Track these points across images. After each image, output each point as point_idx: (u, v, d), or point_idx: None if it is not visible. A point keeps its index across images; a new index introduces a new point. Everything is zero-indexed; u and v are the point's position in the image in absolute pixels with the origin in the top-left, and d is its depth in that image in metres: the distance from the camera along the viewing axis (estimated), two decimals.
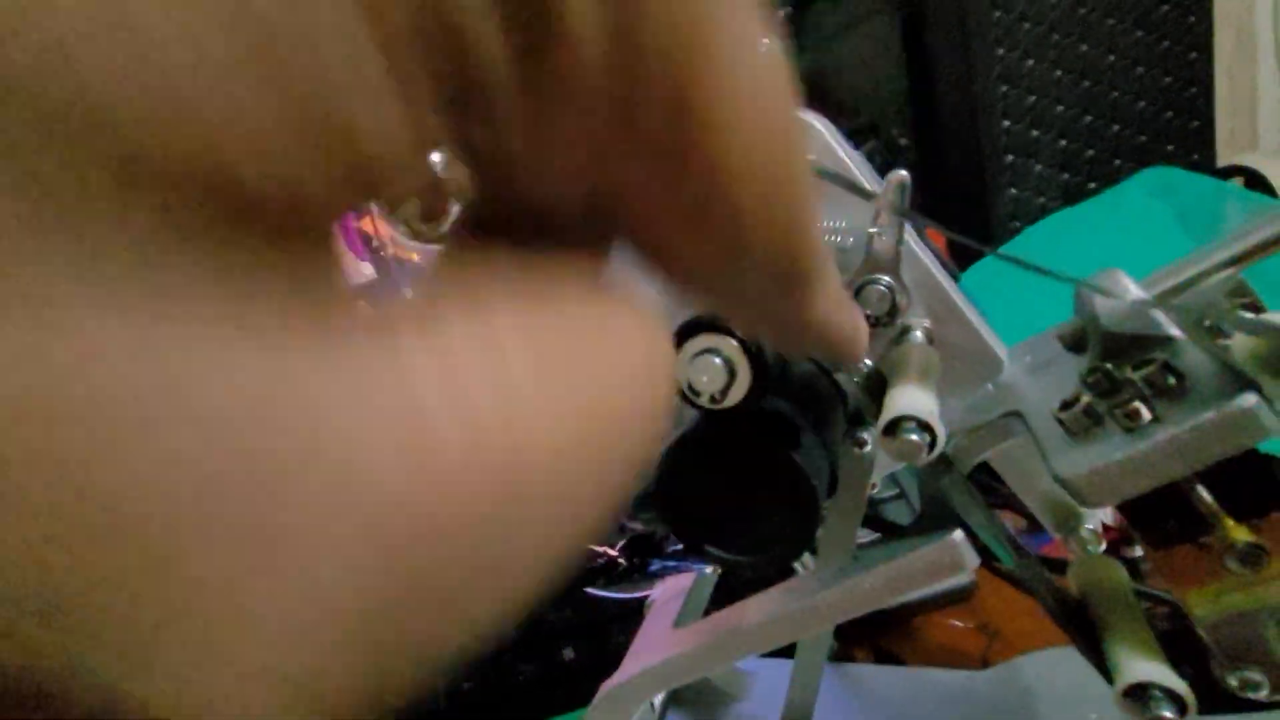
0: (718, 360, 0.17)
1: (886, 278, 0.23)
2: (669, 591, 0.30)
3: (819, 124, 0.24)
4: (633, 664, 0.26)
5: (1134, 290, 0.19)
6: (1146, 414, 0.16)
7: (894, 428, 0.17)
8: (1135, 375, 0.17)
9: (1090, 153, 0.62)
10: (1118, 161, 0.63)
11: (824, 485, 0.19)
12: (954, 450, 0.24)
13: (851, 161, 0.25)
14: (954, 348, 0.25)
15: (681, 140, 0.07)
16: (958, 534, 0.18)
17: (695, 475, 0.19)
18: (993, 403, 0.24)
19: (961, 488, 0.21)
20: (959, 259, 0.54)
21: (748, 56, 0.07)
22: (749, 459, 0.18)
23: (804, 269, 0.09)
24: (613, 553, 0.43)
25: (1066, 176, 0.63)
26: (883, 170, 0.26)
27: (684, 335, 0.18)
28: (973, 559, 0.18)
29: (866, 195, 0.20)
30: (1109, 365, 0.18)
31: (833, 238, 0.24)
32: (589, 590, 0.41)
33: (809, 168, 0.08)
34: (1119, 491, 0.16)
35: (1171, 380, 0.17)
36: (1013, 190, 0.61)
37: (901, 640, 0.40)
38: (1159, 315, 0.18)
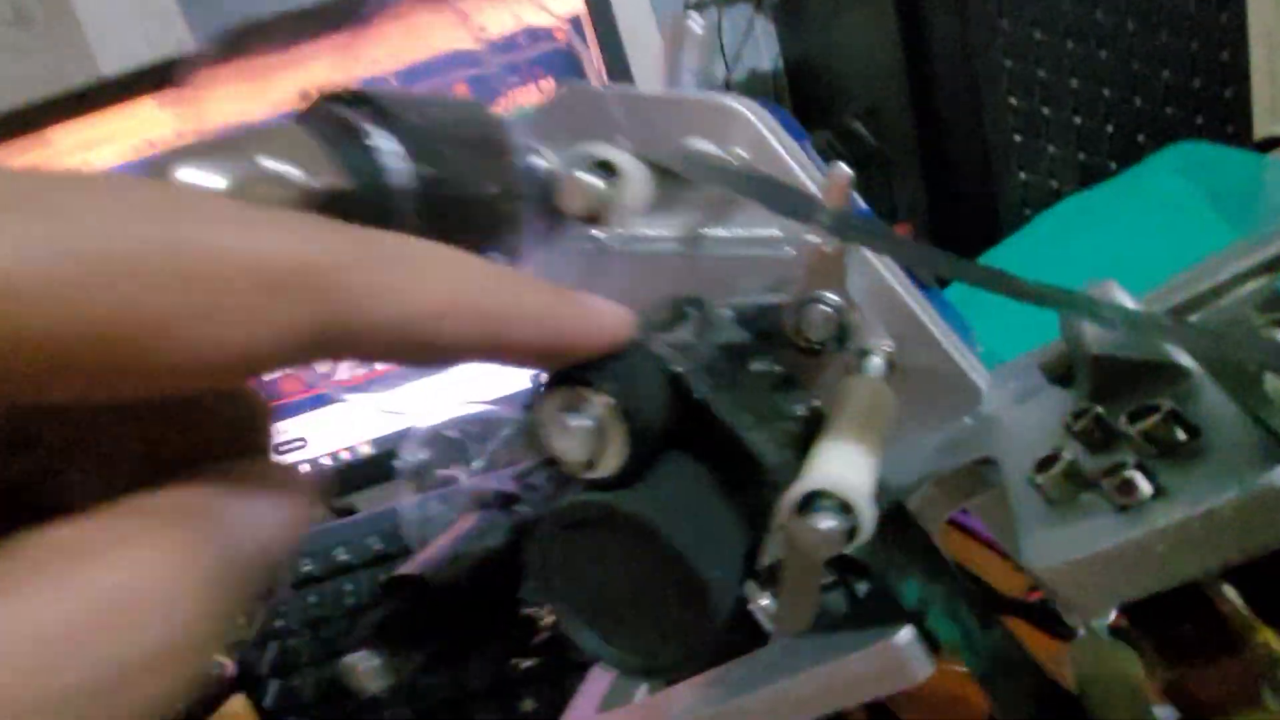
0: (580, 423, 0.14)
1: (832, 294, 0.19)
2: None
3: (749, 112, 0.20)
4: None
5: (1130, 305, 0.15)
6: (1145, 487, 0.12)
7: (804, 506, 0.13)
8: (1132, 429, 0.13)
9: (1109, 129, 0.56)
10: (1141, 137, 0.58)
11: (730, 569, 0.15)
12: (920, 504, 0.19)
13: (791, 156, 0.21)
14: (923, 374, 0.21)
15: None
16: (904, 634, 0.14)
17: (563, 560, 0.15)
18: (970, 442, 0.20)
19: (921, 555, 0.16)
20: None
21: None
22: (620, 543, 0.14)
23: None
24: None
25: (1083, 156, 0.57)
26: (853, 163, 0.22)
27: (546, 388, 0.14)
28: (922, 667, 0.14)
29: (794, 211, 0.16)
30: (1100, 409, 0.14)
31: (765, 248, 0.20)
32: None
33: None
34: (1108, 594, 0.12)
35: (1181, 435, 0.12)
36: (1022, 174, 0.55)
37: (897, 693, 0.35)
38: (1166, 341, 0.14)
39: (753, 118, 0.20)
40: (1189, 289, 0.15)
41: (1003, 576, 0.34)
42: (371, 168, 0.15)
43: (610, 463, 0.14)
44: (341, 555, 0.51)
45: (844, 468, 0.13)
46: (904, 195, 0.65)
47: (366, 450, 0.64)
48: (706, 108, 0.20)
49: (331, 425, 0.63)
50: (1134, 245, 0.49)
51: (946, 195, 0.60)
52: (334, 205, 0.14)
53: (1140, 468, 0.12)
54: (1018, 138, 0.54)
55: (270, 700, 0.43)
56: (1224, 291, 0.15)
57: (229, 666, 0.35)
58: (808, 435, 0.17)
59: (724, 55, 0.85)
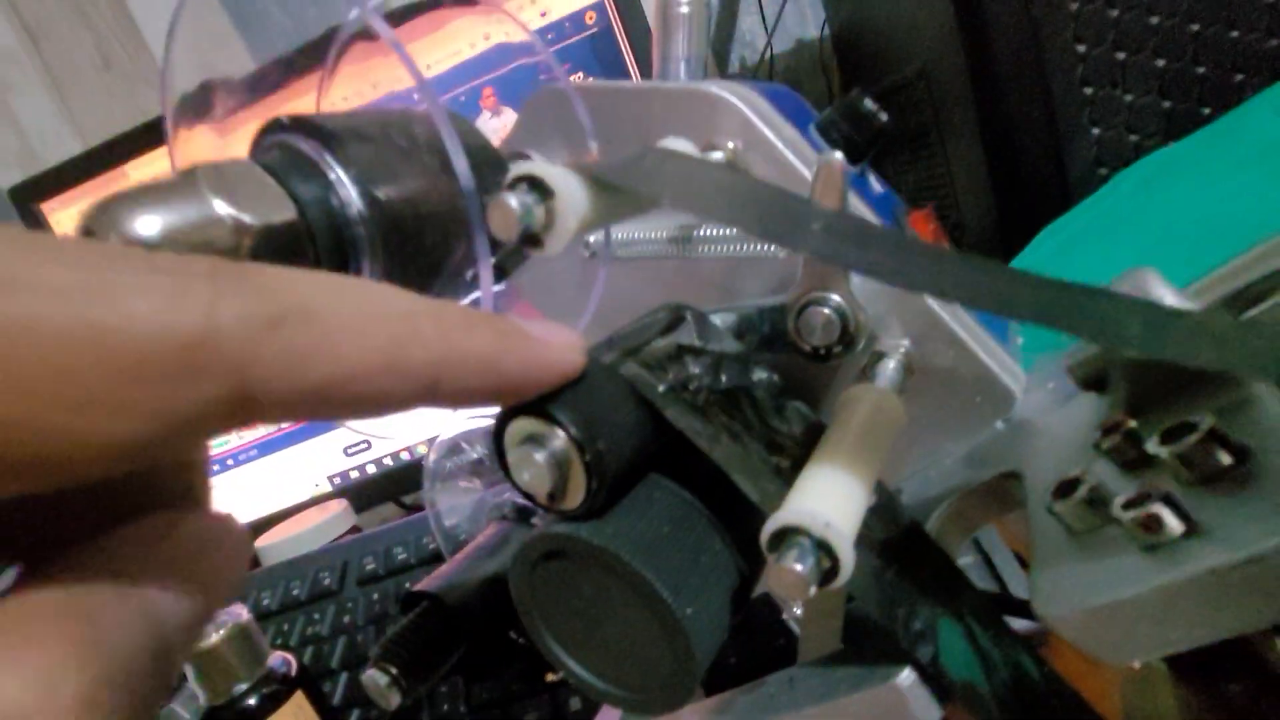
0: (539, 455, 0.13)
1: (834, 295, 0.18)
2: None
3: (736, 100, 0.19)
4: None
5: (1171, 299, 0.13)
6: (1174, 525, 0.10)
7: (775, 541, 0.12)
8: (1164, 451, 0.11)
9: (1200, 70, 0.50)
10: (1240, 77, 0.51)
11: (713, 603, 0.14)
12: (939, 523, 0.18)
13: (788, 145, 0.19)
14: (945, 376, 0.19)
15: None
16: (905, 676, 0.13)
17: (541, 593, 0.14)
18: (999, 452, 0.18)
19: (936, 582, 0.15)
20: (1014, 231, 0.45)
21: None
22: (591, 577, 0.13)
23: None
24: None
25: (1170, 104, 0.51)
26: (864, 143, 0.20)
27: (504, 418, 0.14)
28: (927, 710, 0.13)
29: (777, 234, 0.14)
30: (1134, 423, 0.12)
31: (757, 247, 0.18)
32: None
33: None
34: (1133, 647, 0.10)
35: (1225, 459, 0.10)
36: (1095, 130, 0.50)
37: None
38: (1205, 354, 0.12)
39: (740, 104, 0.18)
40: (1245, 275, 0.13)
41: None
42: (326, 197, 0.15)
43: (575, 496, 0.13)
44: (401, 554, 0.53)
45: (823, 501, 0.12)
46: (962, 166, 0.60)
47: (424, 451, 0.66)
48: (689, 98, 0.19)
49: (393, 429, 0.66)
50: (1234, 202, 0.43)
51: (1009, 159, 0.55)
52: (287, 238, 0.14)
53: (1168, 499, 0.10)
54: (1087, 90, 0.49)
55: (339, 695, 0.46)
56: None
57: (292, 664, 0.37)
58: (804, 457, 0.16)
59: (765, 25, 0.82)
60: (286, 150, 0.15)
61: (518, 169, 0.12)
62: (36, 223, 0.65)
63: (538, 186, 0.12)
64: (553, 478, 0.13)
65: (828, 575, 0.11)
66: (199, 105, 0.17)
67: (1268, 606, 0.09)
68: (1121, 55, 0.48)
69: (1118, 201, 0.48)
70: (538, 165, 0.11)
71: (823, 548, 0.11)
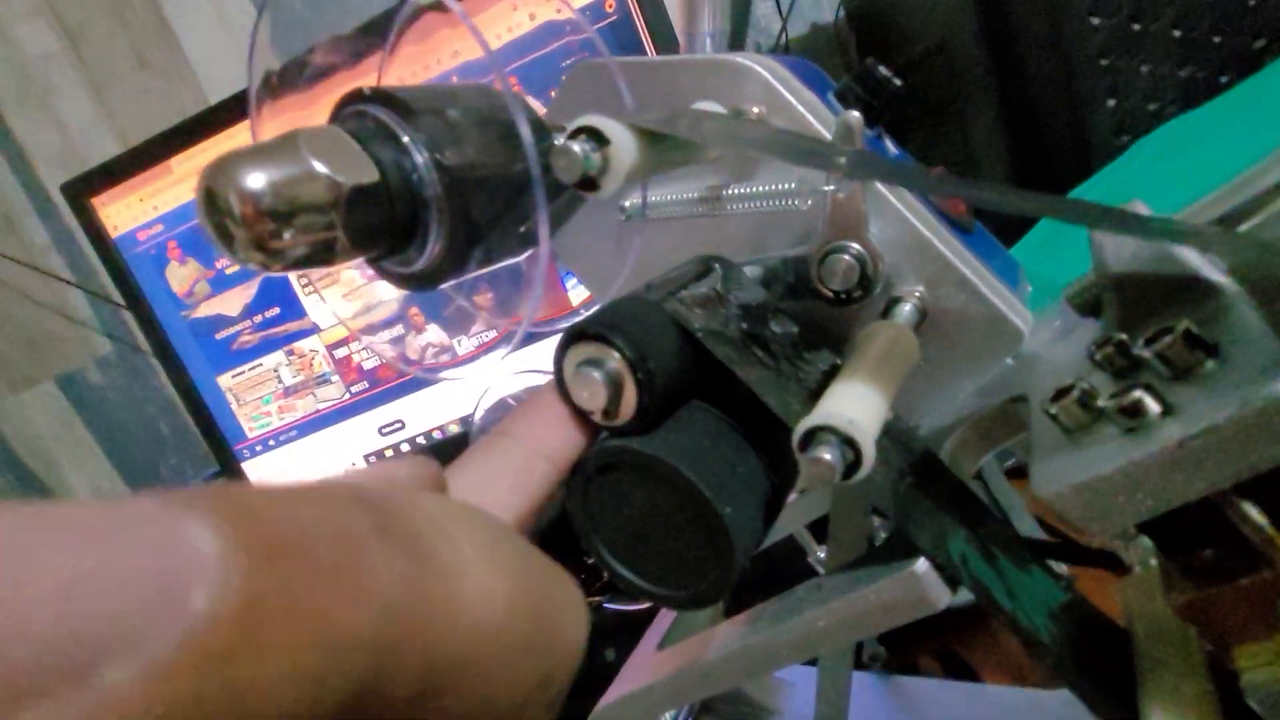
0: (597, 374, 0.15)
1: (853, 244, 0.19)
2: None
3: (760, 68, 0.20)
4: (617, 687, 0.24)
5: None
6: (1154, 406, 0.12)
7: (806, 441, 0.13)
8: (1147, 353, 0.12)
9: (1217, 39, 0.50)
10: (1260, 43, 0.51)
11: (750, 507, 0.16)
12: (953, 448, 0.19)
13: (809, 109, 0.21)
14: (957, 317, 0.20)
15: None
16: (920, 564, 0.15)
17: (595, 503, 0.16)
18: (1007, 382, 0.19)
19: (951, 500, 0.17)
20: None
21: None
22: (643, 484, 0.15)
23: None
24: None
25: (1187, 72, 0.51)
26: (879, 108, 0.22)
27: (565, 344, 0.16)
28: (940, 593, 0.15)
29: (806, 155, 0.16)
30: (1123, 336, 0.14)
31: (782, 202, 0.20)
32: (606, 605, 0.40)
33: None
34: (1114, 516, 0.12)
35: (1199, 356, 0.12)
36: (1113, 100, 0.51)
37: (977, 646, 0.34)
38: (1196, 256, 0.13)
39: (764, 72, 0.20)
40: (1232, 199, 0.14)
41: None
42: (401, 162, 0.17)
43: (626, 410, 0.15)
44: None
45: (846, 405, 0.14)
46: (981, 138, 0.61)
47: (455, 429, 0.68)
48: (716, 67, 0.20)
49: (425, 408, 0.68)
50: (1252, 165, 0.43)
51: (1028, 132, 0.56)
52: (371, 196, 0.16)
53: (1149, 387, 0.12)
54: (1104, 61, 0.49)
55: None
56: (1270, 200, 0.14)
57: None
58: (825, 385, 0.17)
59: (780, 8, 0.82)
60: (365, 118, 0.17)
61: (578, 121, 0.14)
62: (88, 216, 0.68)
63: (595, 135, 0.13)
64: (608, 394, 0.15)
65: (851, 467, 0.13)
66: (283, 80, 0.19)
67: (1218, 473, 0.11)
68: (1137, 26, 0.49)
69: (1138, 168, 0.48)
70: (595, 118, 0.13)
71: (848, 443, 0.13)
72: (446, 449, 0.69)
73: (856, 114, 0.18)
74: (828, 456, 0.13)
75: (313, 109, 0.21)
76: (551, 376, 0.17)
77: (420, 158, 0.17)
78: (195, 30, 0.91)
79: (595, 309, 0.16)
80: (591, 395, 0.15)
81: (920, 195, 0.20)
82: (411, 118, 0.17)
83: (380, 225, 0.16)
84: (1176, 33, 0.49)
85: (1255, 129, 0.46)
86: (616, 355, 0.15)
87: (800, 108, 0.20)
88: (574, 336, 0.15)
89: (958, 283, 0.20)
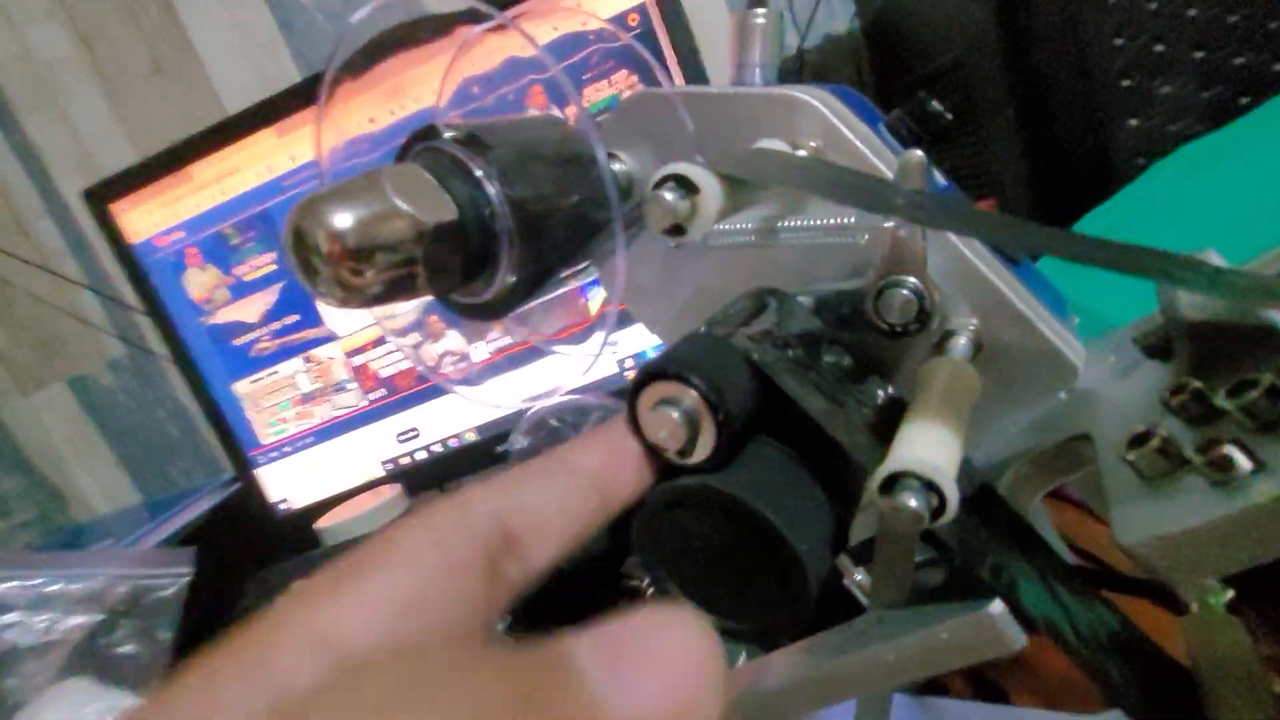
0: (675, 414, 0.15)
1: (910, 278, 0.20)
2: None
3: (817, 102, 0.21)
4: None
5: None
6: (1244, 463, 0.12)
7: (889, 486, 0.14)
8: (1231, 404, 0.13)
9: (1239, 61, 0.50)
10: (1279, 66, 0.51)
11: (820, 542, 0.16)
12: (1011, 484, 0.19)
13: (864, 143, 0.21)
14: (1012, 351, 0.20)
15: None
16: (996, 606, 0.15)
17: (665, 536, 0.17)
18: (1065, 418, 0.19)
19: (1010, 534, 0.17)
20: (1052, 220, 0.46)
21: None
22: (716, 520, 0.16)
23: None
24: None
25: (1209, 94, 0.52)
26: (926, 140, 0.22)
27: (640, 383, 0.16)
28: (1016, 636, 0.15)
29: (872, 203, 0.17)
30: (1198, 384, 0.14)
31: (839, 235, 0.20)
32: None
33: None
34: (1203, 567, 0.12)
35: None
36: (1133, 121, 0.51)
37: (1007, 668, 0.34)
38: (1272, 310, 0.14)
39: (821, 107, 0.20)
40: None
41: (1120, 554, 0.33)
42: (475, 196, 0.17)
43: (704, 449, 0.15)
44: None
45: (927, 449, 0.14)
46: (999, 156, 0.61)
47: (472, 438, 0.69)
48: (774, 102, 0.21)
49: (441, 416, 0.69)
50: (1275, 188, 0.44)
51: (1048, 152, 0.56)
52: (448, 234, 0.17)
53: (1239, 443, 0.12)
54: (1125, 81, 0.50)
55: None
56: None
57: None
58: (885, 421, 0.18)
59: (795, 24, 0.83)
60: (440, 154, 0.17)
61: (665, 169, 0.14)
62: (108, 222, 0.68)
63: (684, 183, 0.14)
64: (685, 434, 0.15)
65: (936, 512, 0.13)
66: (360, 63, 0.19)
67: None
68: (1160, 48, 0.49)
69: (1158, 189, 0.49)
70: (684, 166, 0.14)
71: (931, 488, 0.13)
72: (462, 458, 0.69)
73: (919, 154, 0.18)
74: (913, 504, 0.13)
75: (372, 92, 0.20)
76: (619, 413, 0.17)
77: (493, 190, 0.17)
78: (210, 35, 0.91)
79: (667, 348, 0.16)
80: (670, 435, 0.15)
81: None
82: (484, 151, 0.17)
83: (457, 261, 0.16)
84: (1199, 54, 0.50)
85: (1276, 153, 0.46)
86: (694, 394, 0.15)
87: (858, 143, 0.20)
88: (650, 375, 0.16)
89: (1012, 317, 0.20)
